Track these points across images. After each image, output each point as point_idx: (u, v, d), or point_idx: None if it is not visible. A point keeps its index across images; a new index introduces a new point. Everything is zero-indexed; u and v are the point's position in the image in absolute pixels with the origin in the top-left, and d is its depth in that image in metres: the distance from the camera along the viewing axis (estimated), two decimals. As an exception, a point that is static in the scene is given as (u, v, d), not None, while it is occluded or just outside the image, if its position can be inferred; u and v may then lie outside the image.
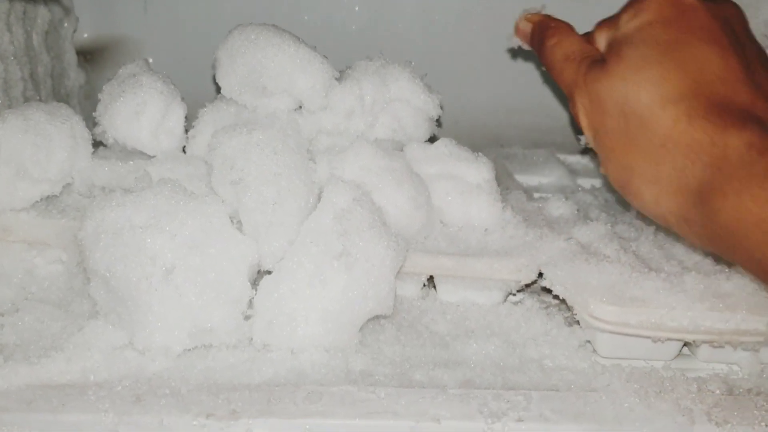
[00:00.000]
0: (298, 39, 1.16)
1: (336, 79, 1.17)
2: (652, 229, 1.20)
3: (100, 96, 1.20)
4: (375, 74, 1.19)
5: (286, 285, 0.95)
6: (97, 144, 1.22)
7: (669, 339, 0.98)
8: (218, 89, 1.20)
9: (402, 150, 1.20)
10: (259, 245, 0.99)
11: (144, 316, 0.91)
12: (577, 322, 1.04)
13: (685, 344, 1.03)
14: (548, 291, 1.08)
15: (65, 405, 0.81)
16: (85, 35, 1.71)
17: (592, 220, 1.20)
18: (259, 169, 1.00)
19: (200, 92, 1.58)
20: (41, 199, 1.12)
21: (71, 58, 1.58)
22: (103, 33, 1.75)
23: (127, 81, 1.17)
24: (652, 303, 0.97)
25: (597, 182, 1.50)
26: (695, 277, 1.02)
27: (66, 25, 1.54)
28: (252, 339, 0.95)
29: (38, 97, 1.39)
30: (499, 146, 1.76)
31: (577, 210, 1.25)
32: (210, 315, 0.92)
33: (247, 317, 0.96)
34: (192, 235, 0.94)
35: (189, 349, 0.92)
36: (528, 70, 1.86)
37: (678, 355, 1.03)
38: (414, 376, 0.92)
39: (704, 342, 0.99)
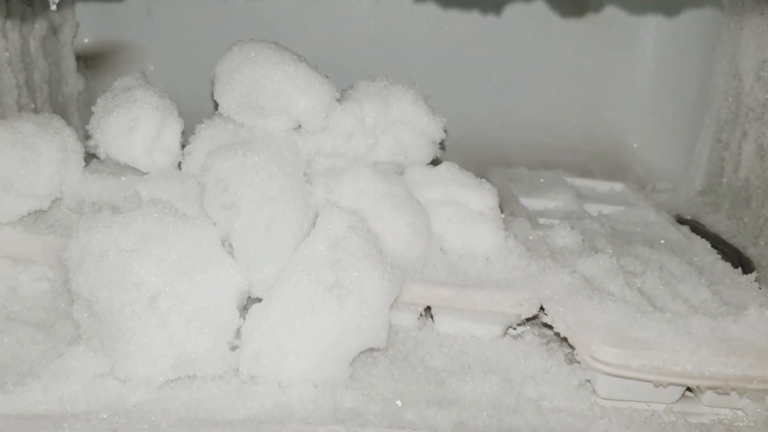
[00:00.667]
0: (299, 58, 1.13)
1: (337, 99, 1.13)
2: (658, 263, 1.17)
3: (93, 109, 1.16)
4: (377, 95, 1.15)
5: (275, 314, 0.91)
6: (90, 156, 1.19)
7: (671, 384, 0.94)
8: (216, 105, 1.16)
9: (403, 173, 1.17)
10: (250, 271, 0.95)
11: (126, 344, 0.87)
12: (578, 360, 1.00)
13: (689, 388, 0.99)
14: (550, 325, 1.04)
15: (38, 438, 0.78)
16: (86, 40, 1.68)
17: (597, 252, 1.16)
18: (253, 193, 0.96)
19: (203, 100, 1.55)
20: (29, 214, 1.08)
21: (70, 63, 1.55)
22: (104, 38, 1.72)
23: (121, 95, 1.14)
24: (655, 346, 0.93)
25: (604, 208, 1.46)
26: (701, 319, 0.98)
27: (65, 30, 1.51)
28: (238, 370, 0.91)
29: (33, 105, 1.36)
30: (505, 166, 1.72)
31: (583, 240, 1.21)
32: (195, 345, 0.88)
33: (233, 347, 0.92)
34: (179, 260, 0.91)
35: (172, 380, 0.89)
36: (536, 88, 1.83)
37: (681, 398, 0.98)
38: (406, 415, 0.89)
39: (709, 388, 0.95)
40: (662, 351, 0.92)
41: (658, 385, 0.93)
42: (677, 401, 0.98)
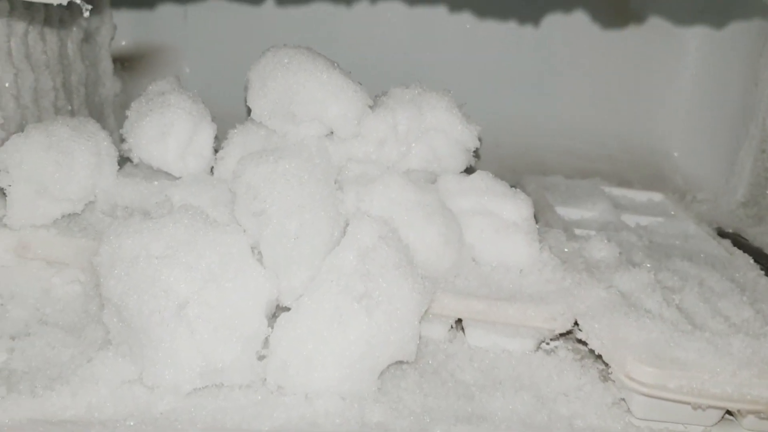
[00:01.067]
0: (333, 64, 1.12)
1: (370, 106, 1.12)
2: (698, 278, 1.13)
3: (127, 113, 1.17)
4: (410, 102, 1.13)
5: (304, 325, 0.90)
6: (125, 160, 1.20)
7: (710, 406, 0.90)
8: (249, 110, 1.16)
9: (435, 182, 1.15)
10: (279, 280, 0.94)
11: (154, 351, 0.87)
12: (613, 378, 0.97)
13: (729, 411, 0.95)
14: (584, 341, 1.01)
15: (65, 445, 0.78)
16: (123, 43, 1.70)
17: (634, 266, 1.12)
18: (283, 201, 0.95)
19: (238, 103, 1.55)
20: (62, 217, 1.09)
21: (107, 65, 1.56)
22: (142, 41, 1.73)
23: (155, 99, 1.14)
24: (694, 366, 0.90)
25: (642, 220, 1.42)
26: (743, 339, 0.94)
27: (103, 32, 1.52)
28: (265, 380, 0.91)
29: (70, 107, 1.37)
30: (541, 173, 1.70)
31: (620, 253, 1.18)
32: (223, 353, 0.88)
33: (261, 357, 0.91)
34: (209, 267, 0.90)
35: (199, 388, 0.88)
36: (574, 94, 1.80)
37: (720, 420, 0.95)
38: (434, 431, 0.87)
39: (750, 412, 0.91)
40: (701, 372, 0.89)
41: (696, 407, 0.90)
42: (716, 424, 0.94)
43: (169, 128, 1.11)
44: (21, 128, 1.09)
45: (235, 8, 1.71)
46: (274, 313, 0.96)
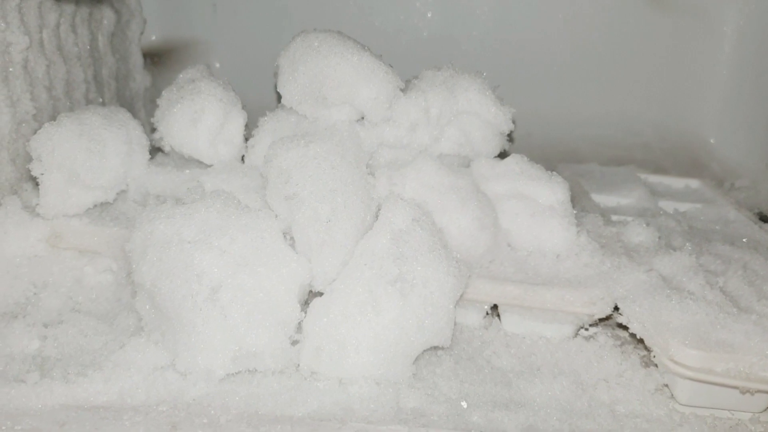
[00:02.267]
0: (363, 47, 1.10)
1: (401, 89, 1.10)
2: (741, 262, 1.09)
3: (158, 101, 1.16)
4: (442, 85, 1.11)
5: (337, 309, 0.89)
6: (156, 151, 1.20)
7: (759, 391, 0.87)
8: (279, 97, 1.15)
9: (469, 166, 1.13)
10: (312, 265, 0.93)
11: (187, 336, 0.86)
12: (655, 363, 0.94)
13: (779, 396, 0.92)
14: (624, 326, 0.98)
15: (98, 430, 0.77)
16: (153, 37, 1.70)
17: (675, 250, 1.09)
18: (315, 185, 0.94)
19: (268, 97, 1.55)
20: (95, 206, 1.09)
21: (137, 60, 1.56)
22: (171, 35, 1.73)
23: (185, 87, 1.13)
24: (741, 349, 0.86)
25: (681, 206, 1.38)
26: (793, 321, 0.90)
27: (133, 26, 1.53)
28: (299, 365, 0.89)
29: (101, 100, 1.37)
30: (575, 162, 1.66)
31: (659, 237, 1.14)
32: (256, 338, 0.86)
33: (294, 342, 0.90)
34: (241, 252, 0.89)
35: (232, 374, 0.87)
36: (608, 81, 1.76)
37: (769, 407, 0.92)
38: (471, 417, 0.85)
39: (802, 396, 0.88)
40: (749, 355, 0.85)
41: (744, 391, 0.87)
42: (765, 410, 0.91)
43: (200, 114, 1.10)
44: (53, 120, 1.09)
45: (263, -1, 1.71)
46: (307, 299, 0.95)
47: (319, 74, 1.06)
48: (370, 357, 0.87)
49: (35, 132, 1.05)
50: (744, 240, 1.22)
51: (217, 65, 1.78)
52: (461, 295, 0.96)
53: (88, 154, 1.03)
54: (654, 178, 1.53)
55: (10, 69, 1.07)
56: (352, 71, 1.05)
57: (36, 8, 1.12)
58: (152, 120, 1.18)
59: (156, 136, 1.17)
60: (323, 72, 1.06)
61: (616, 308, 0.99)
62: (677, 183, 1.53)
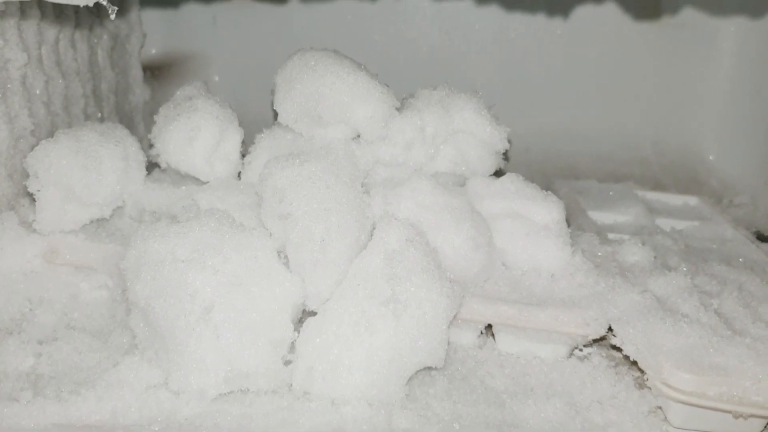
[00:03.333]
0: (359, 66, 1.11)
1: (396, 108, 1.11)
2: (737, 283, 1.09)
3: (155, 118, 1.17)
4: (438, 104, 1.12)
5: (330, 329, 0.89)
6: (153, 166, 1.20)
7: (752, 415, 0.87)
8: (276, 115, 1.15)
9: (464, 185, 1.13)
10: (305, 284, 0.93)
11: (180, 355, 0.86)
12: (648, 386, 0.94)
13: (772, 420, 0.91)
14: (618, 347, 0.98)
15: (89, 450, 0.77)
16: (153, 51, 1.71)
17: (670, 270, 1.09)
18: (309, 204, 0.94)
19: (268, 111, 1.55)
20: (91, 222, 1.10)
21: (137, 73, 1.56)
22: (171, 49, 1.74)
23: (182, 104, 1.14)
24: (734, 373, 0.86)
25: (678, 223, 1.38)
26: (787, 344, 0.90)
27: (133, 40, 1.53)
28: (291, 385, 0.89)
29: (100, 114, 1.38)
30: (572, 177, 1.66)
31: (655, 257, 1.14)
32: (248, 358, 0.87)
33: (287, 362, 0.90)
34: (235, 271, 0.89)
35: (224, 393, 0.87)
36: (606, 96, 1.76)
37: (763, 430, 0.91)
38: (463, 439, 0.85)
39: (795, 421, 0.88)
40: (742, 379, 0.85)
41: (737, 416, 0.86)
42: (758, 435, 0.91)
43: (196, 132, 1.11)
44: (51, 135, 1.09)
45: (264, 13, 1.71)
46: (301, 318, 0.95)
47: (315, 93, 1.07)
48: (363, 377, 0.87)
49: (33, 148, 1.06)
50: (740, 260, 1.22)
51: (217, 79, 1.79)
52: (455, 315, 0.96)
53: (84, 171, 1.03)
54: (652, 195, 1.53)
55: (8, 85, 1.07)
56: (347, 90, 1.06)
57: (35, 25, 1.13)
58: (149, 136, 1.18)
59: (153, 152, 1.17)
60: (319, 91, 1.07)
61: (610, 329, 0.99)
62: (675, 200, 1.52)
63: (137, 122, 1.57)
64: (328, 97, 1.06)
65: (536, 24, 1.69)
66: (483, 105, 1.15)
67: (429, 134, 1.11)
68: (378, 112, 1.07)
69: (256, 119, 1.32)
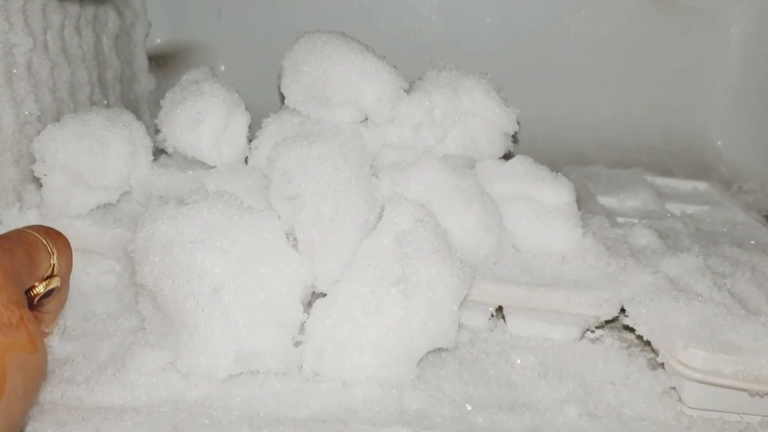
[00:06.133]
0: (367, 48, 1.10)
1: (405, 90, 1.10)
2: (749, 264, 1.08)
3: (161, 103, 1.16)
4: (446, 86, 1.11)
5: (340, 310, 0.88)
6: (160, 152, 1.19)
7: (769, 393, 0.86)
8: (283, 99, 1.15)
9: (473, 167, 1.12)
10: (315, 265, 0.92)
11: (189, 337, 0.85)
12: (662, 366, 0.93)
13: (789, 399, 0.90)
14: (630, 329, 0.97)
15: (99, 430, 0.77)
16: (158, 40, 1.70)
17: (681, 252, 1.08)
18: (318, 185, 0.94)
19: (274, 101, 1.54)
20: (98, 207, 1.09)
21: (142, 62, 1.56)
22: (176, 38, 1.74)
23: (188, 88, 1.13)
24: (749, 351, 0.85)
25: (688, 208, 1.37)
26: (803, 323, 0.89)
27: (138, 29, 1.53)
28: (301, 367, 0.89)
29: (105, 102, 1.37)
30: (580, 165, 1.65)
31: (666, 239, 1.13)
32: (258, 339, 0.86)
33: (297, 343, 0.89)
34: (244, 253, 0.89)
35: (234, 375, 0.86)
36: (614, 83, 1.75)
37: (779, 410, 0.90)
38: (476, 419, 0.84)
39: (812, 399, 0.87)
40: (758, 357, 0.84)
41: (753, 394, 0.85)
42: (774, 413, 0.90)
43: (203, 115, 1.10)
44: (57, 121, 1.08)
45: (270, 2, 1.71)
46: (310, 300, 0.94)
47: (322, 75, 1.06)
48: (374, 358, 0.87)
49: (39, 133, 1.05)
50: (752, 242, 1.21)
51: (222, 68, 1.78)
52: (466, 297, 0.95)
53: (91, 155, 1.02)
54: (661, 181, 1.52)
55: (14, 70, 1.06)
56: (355, 72, 1.05)
57: (40, 10, 1.12)
58: (156, 121, 1.17)
59: (159, 137, 1.17)
60: (326, 73, 1.06)
61: (623, 310, 0.98)
62: (684, 185, 1.51)
63: (142, 111, 1.57)
64: (336, 79, 1.05)
65: (543, 11, 1.68)
66: (492, 87, 1.14)
67: (438, 116, 1.10)
68: (386, 93, 1.06)
69: (262, 109, 1.30)
